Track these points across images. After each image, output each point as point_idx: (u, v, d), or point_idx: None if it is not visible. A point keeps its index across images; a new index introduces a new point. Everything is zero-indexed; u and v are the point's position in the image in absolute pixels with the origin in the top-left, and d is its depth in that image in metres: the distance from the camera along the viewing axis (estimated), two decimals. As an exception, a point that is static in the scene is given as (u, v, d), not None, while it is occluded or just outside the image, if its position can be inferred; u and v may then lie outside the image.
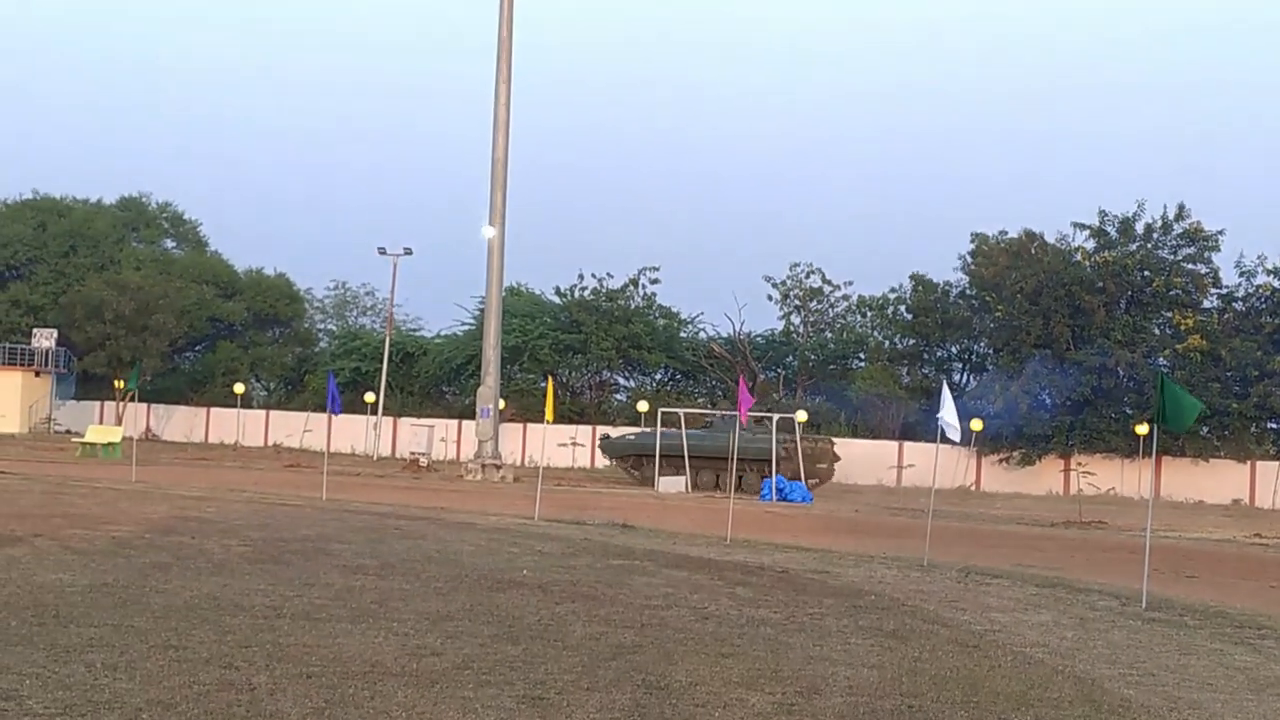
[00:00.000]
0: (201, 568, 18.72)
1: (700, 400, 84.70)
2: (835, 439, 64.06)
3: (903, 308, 79.97)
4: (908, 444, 70.89)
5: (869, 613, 17.48)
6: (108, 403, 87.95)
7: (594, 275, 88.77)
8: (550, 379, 49.99)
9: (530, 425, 75.26)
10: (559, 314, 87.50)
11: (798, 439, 55.93)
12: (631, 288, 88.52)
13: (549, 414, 36.98)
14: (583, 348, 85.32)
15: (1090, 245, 71.14)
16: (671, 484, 54.73)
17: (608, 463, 64.78)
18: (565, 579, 19.53)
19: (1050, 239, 72.10)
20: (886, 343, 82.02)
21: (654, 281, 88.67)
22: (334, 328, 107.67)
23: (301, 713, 10.13)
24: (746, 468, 54.68)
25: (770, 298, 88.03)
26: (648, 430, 59.92)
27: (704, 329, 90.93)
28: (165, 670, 11.40)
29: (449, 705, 10.62)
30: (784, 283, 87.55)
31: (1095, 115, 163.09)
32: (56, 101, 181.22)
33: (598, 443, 66.75)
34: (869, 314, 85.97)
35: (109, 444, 62.40)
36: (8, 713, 9.63)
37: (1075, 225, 71.80)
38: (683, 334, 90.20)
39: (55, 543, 21.04)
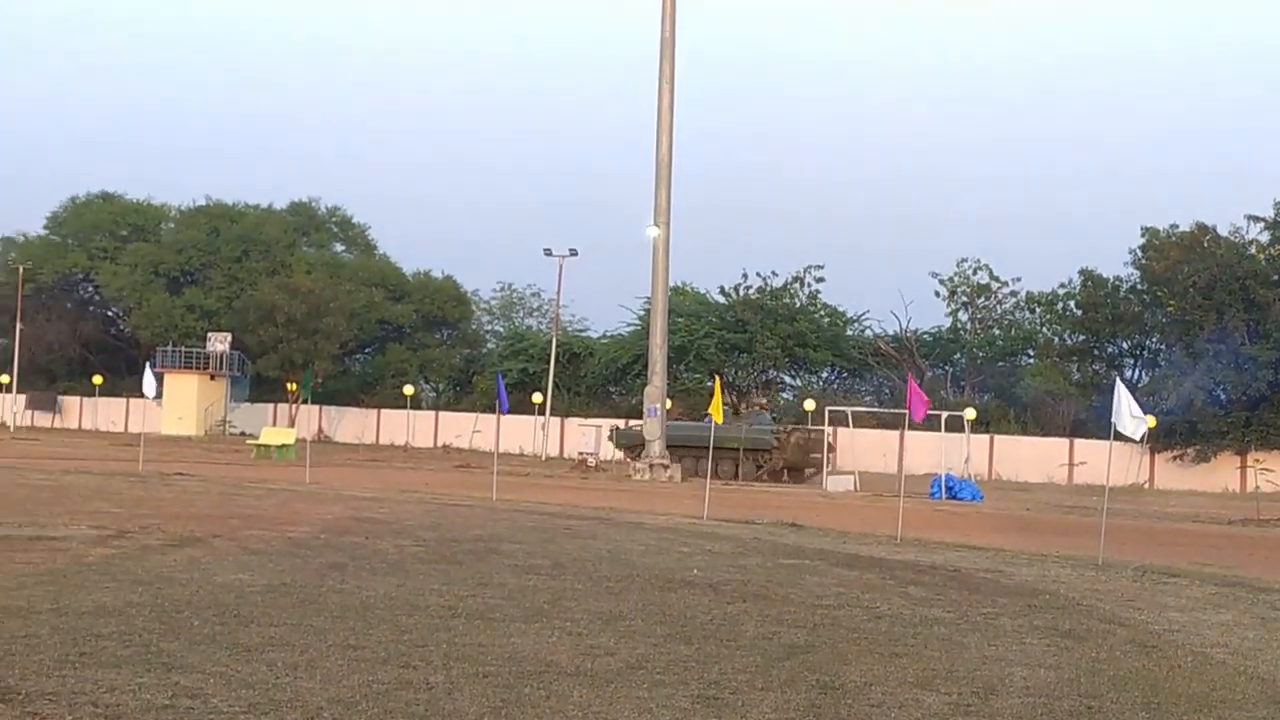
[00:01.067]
0: (377, 568, 18.93)
1: (867, 399, 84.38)
2: (1001, 435, 63.65)
3: (1072, 303, 78.94)
4: (1078, 441, 69.94)
5: (1044, 612, 17.25)
6: (281, 405, 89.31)
7: (758, 274, 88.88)
8: (717, 378, 49.92)
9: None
10: (724, 313, 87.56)
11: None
12: (796, 286, 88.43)
13: (716, 414, 36.91)
14: (748, 347, 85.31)
15: (1265, 238, 69.67)
16: (840, 483, 54.49)
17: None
18: (736, 578, 19.50)
19: (1223, 232, 70.74)
20: (1056, 339, 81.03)
21: (819, 280, 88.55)
22: (501, 329, 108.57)
23: (479, 712, 10.20)
24: (744, 456, 59.58)
25: (937, 294, 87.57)
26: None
27: (870, 327, 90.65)
28: (344, 669, 11.53)
29: (624, 705, 10.64)
30: (951, 279, 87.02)
31: (1267, 107, 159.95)
32: (229, 109, 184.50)
33: (607, 435, 69.36)
34: (1038, 310, 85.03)
35: (283, 446, 63.36)
36: (194, 711, 9.81)
37: (1249, 218, 70.37)
38: (848, 332, 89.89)
39: (234, 543, 21.39)
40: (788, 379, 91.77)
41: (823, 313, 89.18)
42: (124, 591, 15.48)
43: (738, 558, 22.62)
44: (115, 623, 13.39)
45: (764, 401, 72.38)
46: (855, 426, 62.91)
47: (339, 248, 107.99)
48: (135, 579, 16.57)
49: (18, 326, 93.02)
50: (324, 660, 11.91)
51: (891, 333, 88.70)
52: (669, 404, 64.22)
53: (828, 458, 60.76)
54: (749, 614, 15.95)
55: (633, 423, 69.78)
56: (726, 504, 37.65)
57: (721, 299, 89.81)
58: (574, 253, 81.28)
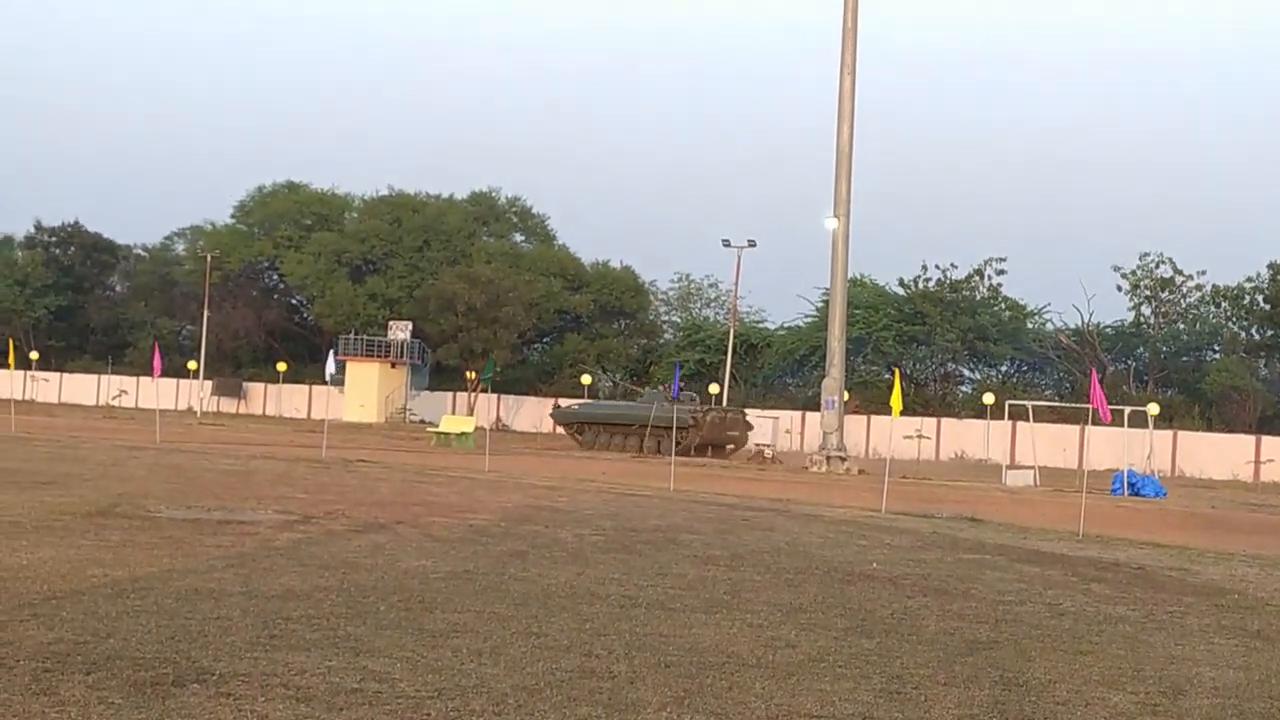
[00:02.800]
0: (557, 556, 19.06)
1: (1047, 393, 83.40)
2: (1185, 431, 62.79)
3: (1260, 297, 77.34)
4: (1265, 438, 68.57)
5: (1232, 612, 16.96)
6: (460, 393, 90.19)
7: (937, 266, 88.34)
8: (896, 371, 49.63)
9: (874, 417, 74.98)
10: (903, 305, 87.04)
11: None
12: (976, 279, 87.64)
13: (895, 407, 36.70)
14: (927, 339, 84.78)
15: None
16: (1019, 477, 53.90)
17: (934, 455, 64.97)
18: (916, 572, 19.39)
19: None
20: (1242, 334, 79.46)
21: (1000, 272, 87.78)
22: (678, 319, 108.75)
23: (661, 701, 10.23)
24: (663, 434, 62.07)
25: (1119, 288, 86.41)
26: (589, 402, 74.91)
27: (1051, 320, 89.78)
28: (528, 656, 11.63)
29: (806, 697, 10.62)
30: (1134, 273, 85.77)
31: None
32: (410, 100, 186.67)
33: (549, 412, 77.15)
34: (1224, 304, 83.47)
35: (462, 434, 63.97)
36: (381, 694, 9.95)
37: None
38: (1029, 325, 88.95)
39: (416, 530, 21.65)
40: (966, 372, 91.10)
41: (1003, 306, 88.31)
42: (311, 576, 15.74)
43: (917, 551, 22.49)
44: (303, 606, 13.62)
45: (693, 395, 75.10)
46: (1035, 421, 62.14)
47: (518, 238, 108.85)
48: (322, 563, 16.84)
49: (205, 314, 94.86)
50: (507, 647, 12.02)
51: (1073, 326, 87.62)
52: (846, 396, 63.98)
53: (740, 436, 66.53)
54: (930, 609, 15.85)
55: (570, 401, 77.04)
56: (904, 497, 37.43)
57: (900, 291, 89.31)
58: (752, 244, 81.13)
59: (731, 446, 66.48)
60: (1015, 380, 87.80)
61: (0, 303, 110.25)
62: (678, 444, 58.52)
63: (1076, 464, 63.43)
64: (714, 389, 77.42)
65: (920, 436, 74.35)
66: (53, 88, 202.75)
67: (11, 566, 15.34)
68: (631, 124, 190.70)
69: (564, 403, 75.47)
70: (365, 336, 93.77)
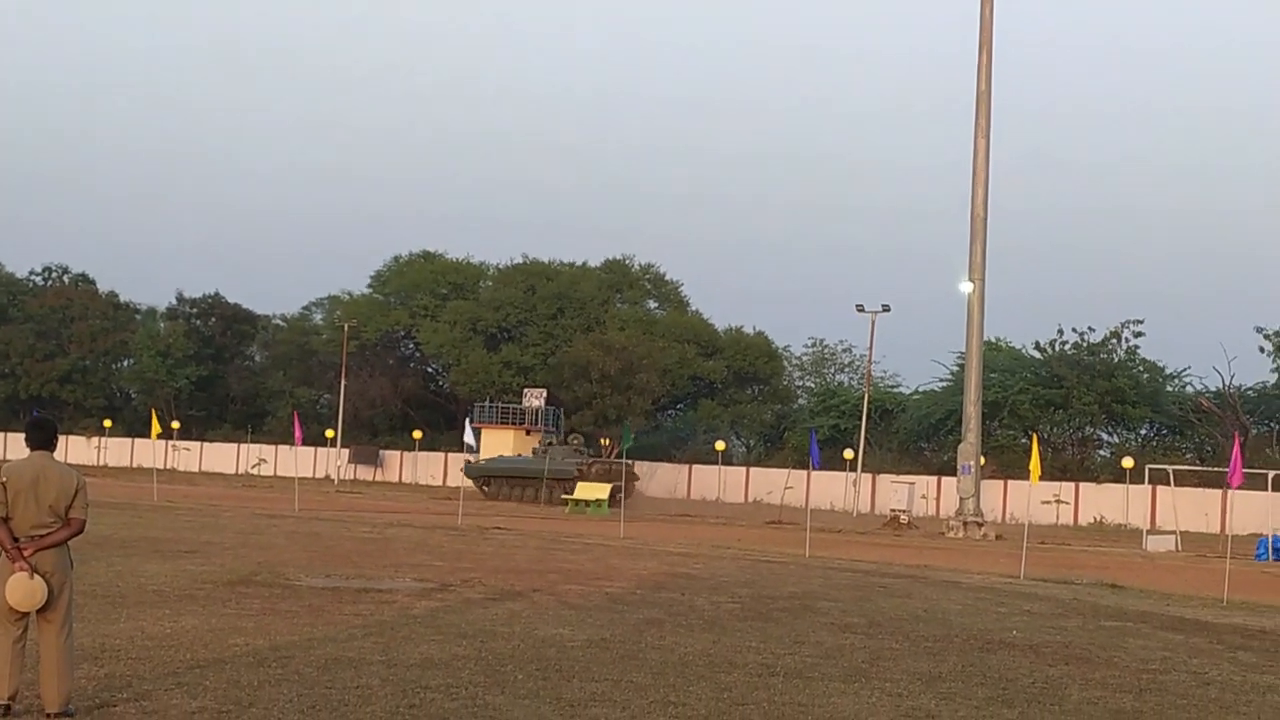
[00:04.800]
0: (693, 624, 19.03)
1: (1188, 456, 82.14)
2: None
3: None
4: None
5: (1384, 681, 16.58)
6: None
7: (1074, 329, 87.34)
8: (1034, 436, 49.11)
9: (1011, 482, 74.22)
10: (1039, 369, 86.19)
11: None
12: (1113, 341, 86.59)
13: (1034, 472, 36.31)
14: (1064, 403, 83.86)
15: None
16: (1160, 543, 53.12)
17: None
18: (1057, 640, 19.15)
19: None
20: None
21: (1137, 335, 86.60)
22: (812, 384, 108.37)
23: (801, 772, 10.18)
24: (556, 485, 70.44)
25: (1262, 349, 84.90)
26: (495, 457, 79.77)
27: (1191, 382, 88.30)
28: (666, 726, 11.62)
29: (947, 768, 10.52)
30: (1277, 333, 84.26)
31: None
32: (543, 169, 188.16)
33: (460, 468, 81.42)
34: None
35: (597, 500, 64.10)
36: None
37: None
38: (1168, 388, 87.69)
39: (553, 598, 21.71)
40: (1104, 435, 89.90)
41: (1141, 368, 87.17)
42: (449, 644, 15.82)
43: (1057, 619, 22.22)
44: (442, 675, 13.69)
45: (578, 437, 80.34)
46: (1176, 485, 61.21)
47: (652, 304, 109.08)
48: (459, 632, 16.92)
49: (342, 382, 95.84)
50: (646, 717, 12.02)
51: (1214, 389, 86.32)
52: (983, 461, 63.40)
53: (627, 487, 69.11)
54: (1072, 677, 15.65)
55: (478, 458, 79.38)
56: (1043, 563, 37.03)
57: (1036, 354, 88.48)
58: (886, 308, 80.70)
59: (617, 495, 67.30)
60: (1155, 444, 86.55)
61: (143, 373, 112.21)
62: (566, 493, 68.46)
63: (1219, 529, 62.40)
64: (848, 454, 76.97)
65: (1058, 501, 73.48)
66: (193, 165, 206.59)
67: (156, 635, 15.55)
68: (764, 190, 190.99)
69: (471, 459, 78.47)
70: (500, 404, 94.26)
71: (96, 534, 18.50)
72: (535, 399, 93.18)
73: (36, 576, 10.55)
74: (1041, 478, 45.83)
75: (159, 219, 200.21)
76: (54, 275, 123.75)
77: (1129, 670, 16.46)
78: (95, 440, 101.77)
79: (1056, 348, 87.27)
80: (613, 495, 67.09)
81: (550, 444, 78.34)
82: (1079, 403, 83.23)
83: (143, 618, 16.99)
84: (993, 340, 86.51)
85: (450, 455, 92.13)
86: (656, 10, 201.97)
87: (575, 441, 78.08)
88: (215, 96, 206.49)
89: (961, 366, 70.86)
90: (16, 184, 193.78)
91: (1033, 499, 58.31)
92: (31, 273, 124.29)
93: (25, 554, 10.58)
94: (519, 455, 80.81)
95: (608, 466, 71.95)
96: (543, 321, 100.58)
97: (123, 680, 12.60)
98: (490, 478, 76.47)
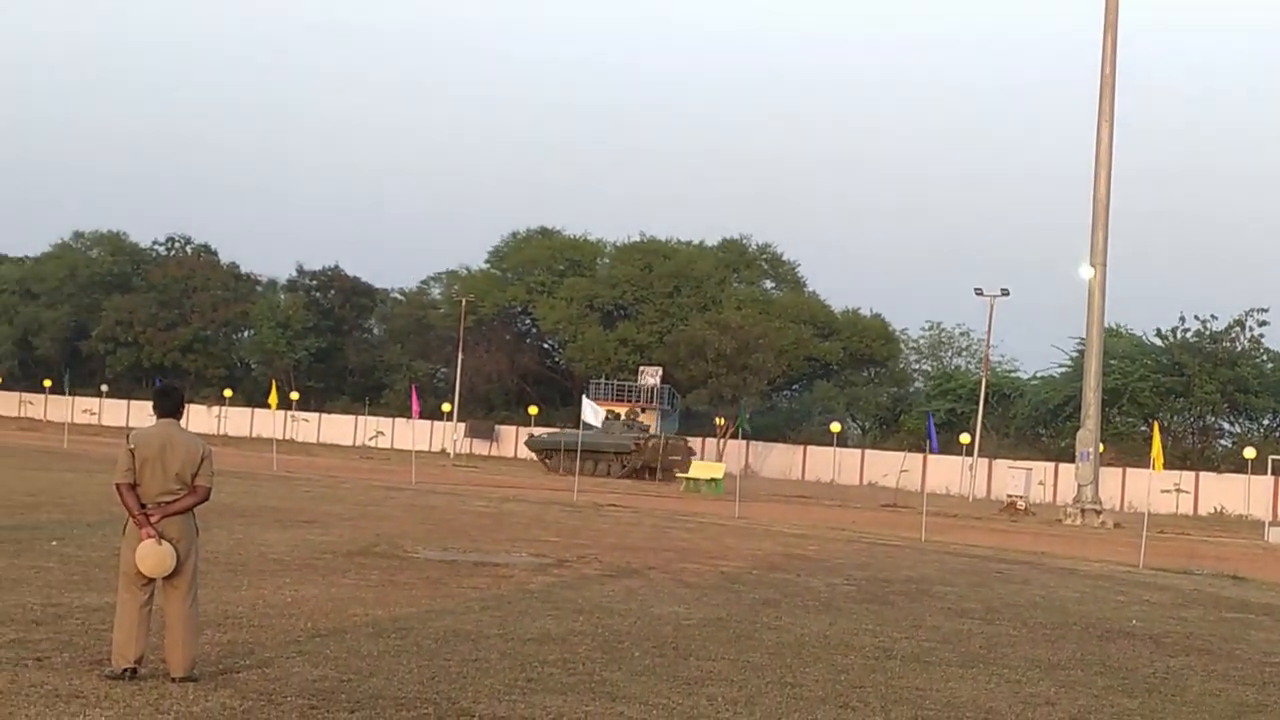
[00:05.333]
0: (809, 605, 18.98)
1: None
2: None
3: None
4: None
5: None
6: (709, 438, 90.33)
7: (1196, 317, 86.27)
8: (1155, 424, 48.61)
9: (1130, 470, 73.51)
10: (1159, 356, 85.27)
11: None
12: (1236, 330, 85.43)
13: (1157, 461, 35.90)
14: (1185, 391, 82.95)
15: None
16: (1282, 534, 52.35)
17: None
18: (1177, 630, 18.94)
19: None
20: None
21: (1261, 324, 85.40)
22: (929, 368, 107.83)
23: (919, 756, 10.13)
24: (612, 459, 73.77)
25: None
26: (558, 430, 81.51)
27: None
28: (783, 707, 11.59)
29: (1067, 757, 10.44)
30: None
31: None
32: (661, 146, 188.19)
33: (524, 441, 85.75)
34: None
35: (711, 479, 64.08)
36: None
37: None
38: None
39: (668, 576, 21.73)
40: (1226, 425, 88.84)
41: (1265, 357, 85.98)
42: (566, 619, 15.87)
43: (1177, 609, 21.97)
44: (559, 650, 13.74)
45: (640, 411, 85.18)
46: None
47: (769, 284, 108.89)
48: (576, 608, 16.97)
49: (459, 357, 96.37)
50: (762, 697, 11.99)
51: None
52: (1101, 448, 62.80)
53: (683, 463, 72.46)
54: (1193, 668, 15.47)
55: (542, 431, 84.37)
56: (1162, 553, 36.63)
57: (1158, 342, 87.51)
58: (1005, 292, 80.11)
59: (678, 471, 71.26)
60: (1278, 434, 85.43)
61: (263, 344, 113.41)
62: (623, 466, 73.11)
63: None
64: (964, 439, 76.53)
65: (1178, 491, 72.66)
66: (314, 139, 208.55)
67: (277, 604, 15.72)
68: (883, 171, 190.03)
69: (536, 432, 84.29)
70: (615, 381, 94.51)
71: (218, 503, 18.68)
72: (651, 377, 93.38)
73: (164, 543, 10.68)
74: (1163, 466, 45.36)
75: (281, 192, 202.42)
76: (177, 246, 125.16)
77: (1251, 663, 16.25)
78: (216, 409, 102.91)
79: (1178, 335, 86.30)
80: (663, 469, 72.96)
81: (608, 419, 78.51)
82: (1200, 391, 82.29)
83: (264, 586, 17.18)
84: (1113, 326, 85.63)
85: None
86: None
87: (632, 418, 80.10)
88: (336, 68, 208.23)
89: (1081, 352, 70.22)
90: (142, 151, 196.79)
91: (1152, 487, 57.77)
92: (155, 243, 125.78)
93: (153, 520, 10.72)
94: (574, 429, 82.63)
95: (663, 441, 75.41)
96: (659, 300, 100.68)
97: (245, 647, 12.74)
98: (552, 451, 77.67)
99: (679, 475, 68.61)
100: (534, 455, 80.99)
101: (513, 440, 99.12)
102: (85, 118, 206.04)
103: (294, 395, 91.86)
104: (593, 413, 53.16)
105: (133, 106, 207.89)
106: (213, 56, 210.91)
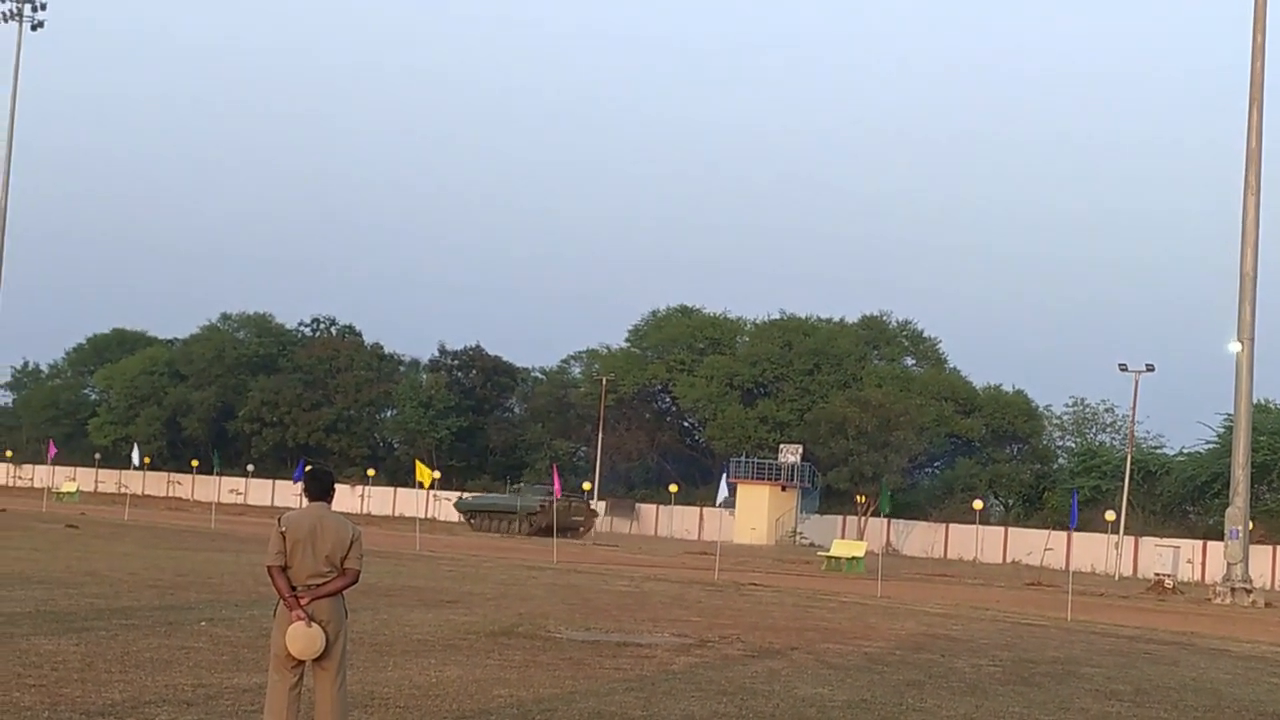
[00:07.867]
0: (954, 686, 18.81)
1: None
2: None
3: None
4: None
5: None
6: (850, 517, 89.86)
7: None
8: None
9: (1281, 548, 72.18)
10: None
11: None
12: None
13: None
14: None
15: None
16: None
17: None
18: (1338, 715, 18.55)
19: None
20: None
21: None
22: (1072, 444, 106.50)
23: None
24: (522, 518, 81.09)
25: None
26: (481, 494, 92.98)
27: None
28: (930, 791, 11.50)
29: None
30: None
31: None
32: (801, 226, 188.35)
33: (453, 503, 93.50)
34: None
35: (853, 558, 63.59)
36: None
37: None
38: None
39: (811, 656, 21.62)
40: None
41: None
42: (710, 701, 15.84)
43: (1338, 692, 21.52)
44: (703, 732, 13.72)
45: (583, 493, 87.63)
46: None
47: (909, 361, 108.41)
48: (719, 689, 16.94)
49: (599, 436, 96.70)
50: (909, 781, 11.90)
51: None
52: (1251, 525, 61.70)
53: (586, 522, 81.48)
54: (1351, 754, 15.15)
55: (473, 495, 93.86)
56: (1317, 633, 35.88)
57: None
58: (1150, 368, 79.09)
59: (583, 530, 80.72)
60: None
61: (406, 423, 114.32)
62: (530, 525, 79.29)
63: None
64: (1109, 516, 75.41)
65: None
66: (455, 223, 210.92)
67: (422, 685, 15.83)
68: (1024, 247, 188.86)
69: (465, 495, 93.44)
70: (756, 459, 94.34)
71: (363, 582, 18.86)
72: (791, 455, 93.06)
73: (314, 625, 10.81)
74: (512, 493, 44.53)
75: (423, 273, 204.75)
76: (322, 327, 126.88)
77: None
78: (359, 488, 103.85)
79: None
80: (568, 528, 77.23)
81: (518, 486, 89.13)
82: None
83: (409, 666, 17.31)
84: (1261, 401, 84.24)
85: (705, 510, 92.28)
86: (923, 52, 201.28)
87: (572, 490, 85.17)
88: (481, 150, 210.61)
89: (1228, 428, 69.15)
90: (289, 235, 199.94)
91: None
92: (300, 324, 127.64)
93: (303, 603, 10.85)
94: (493, 494, 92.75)
95: (568, 502, 79.59)
96: (799, 377, 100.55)
97: (392, 728, 12.84)
98: (476, 512, 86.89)
99: (821, 554, 68.20)
100: (461, 516, 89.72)
101: (653, 519, 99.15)
102: (233, 202, 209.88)
103: (435, 474, 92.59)
104: (728, 492, 53.45)
105: (280, 191, 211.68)
106: (358, 138, 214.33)
